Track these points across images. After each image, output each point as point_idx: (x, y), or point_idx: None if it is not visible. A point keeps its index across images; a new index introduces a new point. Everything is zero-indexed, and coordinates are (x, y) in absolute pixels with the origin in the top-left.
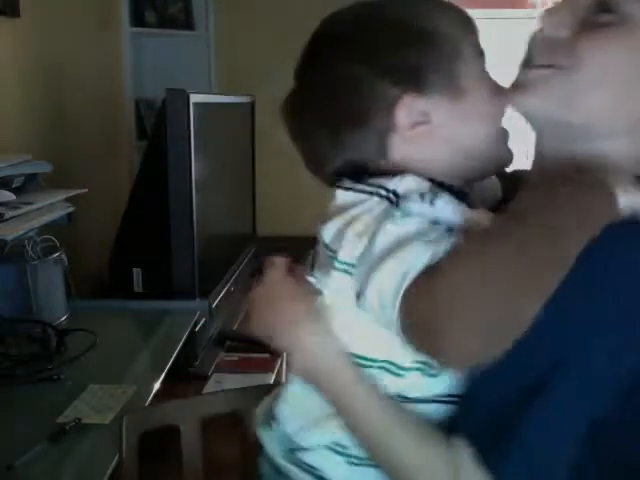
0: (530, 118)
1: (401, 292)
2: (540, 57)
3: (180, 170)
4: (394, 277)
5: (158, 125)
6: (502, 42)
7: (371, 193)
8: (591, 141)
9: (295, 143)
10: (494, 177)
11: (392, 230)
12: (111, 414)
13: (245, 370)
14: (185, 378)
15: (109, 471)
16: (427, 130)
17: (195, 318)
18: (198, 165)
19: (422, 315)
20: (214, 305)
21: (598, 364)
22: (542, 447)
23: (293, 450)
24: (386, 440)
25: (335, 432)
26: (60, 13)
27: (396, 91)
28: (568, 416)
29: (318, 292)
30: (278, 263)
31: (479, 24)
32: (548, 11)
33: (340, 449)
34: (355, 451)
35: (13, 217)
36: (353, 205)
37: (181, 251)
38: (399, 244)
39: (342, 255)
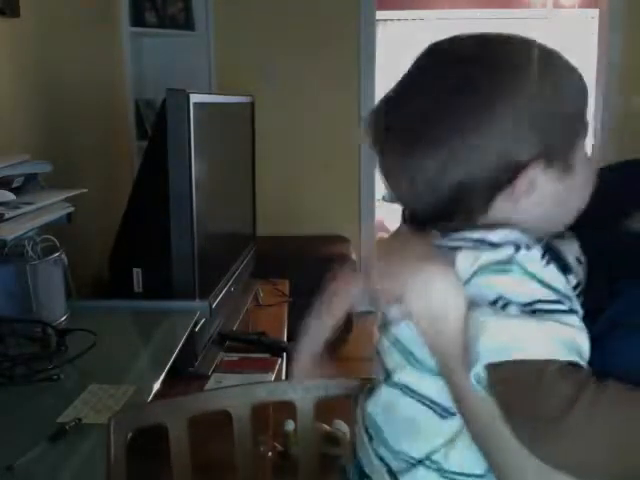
0: None
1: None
2: None
3: (180, 170)
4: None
5: (158, 125)
6: None
7: (478, 241)
8: None
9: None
10: None
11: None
12: (111, 414)
13: (245, 370)
14: (185, 378)
15: None
16: (529, 197)
17: (195, 318)
18: (198, 165)
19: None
20: (214, 305)
21: None
22: None
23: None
24: (493, 413)
25: (431, 444)
26: (60, 13)
27: (526, 155)
28: None
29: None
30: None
31: (479, 24)
32: None
33: (435, 465)
34: (449, 466)
35: (13, 217)
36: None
37: (181, 251)
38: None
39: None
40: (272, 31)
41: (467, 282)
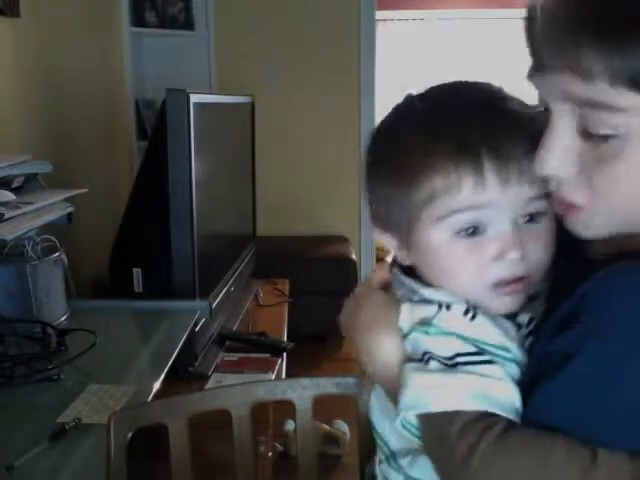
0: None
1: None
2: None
3: (180, 170)
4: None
5: (158, 125)
6: (502, 42)
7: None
8: None
9: None
10: None
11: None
12: (111, 414)
13: (245, 370)
14: (185, 378)
15: None
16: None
17: (195, 318)
18: (198, 165)
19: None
20: (214, 305)
21: None
22: None
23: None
24: None
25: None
26: (60, 13)
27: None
28: None
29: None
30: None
31: (479, 24)
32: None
33: (401, 469)
34: (412, 473)
35: (13, 217)
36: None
37: (181, 251)
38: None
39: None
40: (272, 31)
41: (406, 336)
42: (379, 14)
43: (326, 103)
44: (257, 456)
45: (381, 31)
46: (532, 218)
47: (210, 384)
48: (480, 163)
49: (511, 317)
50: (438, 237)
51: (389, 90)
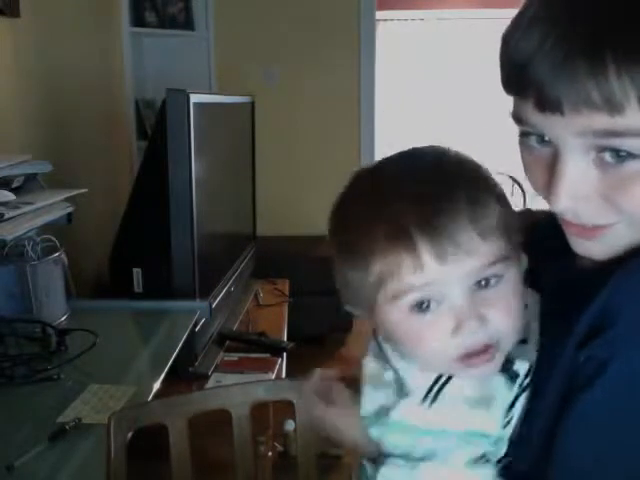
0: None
1: None
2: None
3: (180, 170)
4: None
5: (158, 125)
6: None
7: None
8: None
9: None
10: None
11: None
12: (111, 414)
13: (245, 370)
14: (185, 378)
15: None
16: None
17: (195, 318)
18: (198, 165)
19: None
20: (214, 305)
21: None
22: None
23: None
24: None
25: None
26: (60, 13)
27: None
28: None
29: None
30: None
31: (480, 25)
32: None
33: None
34: None
35: (13, 217)
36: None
37: (181, 251)
38: None
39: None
40: (272, 31)
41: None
42: (379, 14)
43: (326, 103)
44: (257, 456)
45: (381, 31)
46: (488, 282)
47: (210, 384)
48: (414, 245)
49: (504, 368)
50: (396, 316)
51: (389, 90)
